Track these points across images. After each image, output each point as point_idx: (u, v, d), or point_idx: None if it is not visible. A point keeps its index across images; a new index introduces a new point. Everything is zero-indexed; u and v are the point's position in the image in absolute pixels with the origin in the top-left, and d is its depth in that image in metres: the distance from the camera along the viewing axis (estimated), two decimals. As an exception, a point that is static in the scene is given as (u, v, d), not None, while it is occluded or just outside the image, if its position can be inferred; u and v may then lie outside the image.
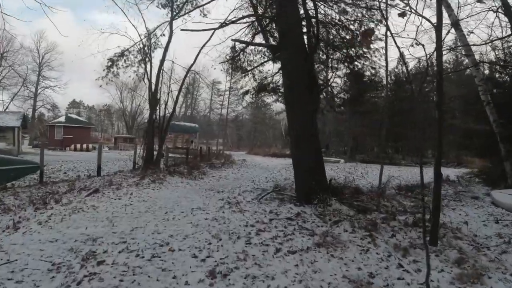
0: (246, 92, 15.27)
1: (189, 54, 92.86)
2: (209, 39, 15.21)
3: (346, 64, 12.74)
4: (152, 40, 16.06)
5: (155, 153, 16.54)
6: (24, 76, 45.06)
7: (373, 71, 13.03)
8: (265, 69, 13.70)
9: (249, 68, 14.37)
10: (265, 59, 13.65)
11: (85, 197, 8.90)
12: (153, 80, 16.13)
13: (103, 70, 15.15)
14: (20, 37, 59.85)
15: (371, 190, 11.02)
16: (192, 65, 17.26)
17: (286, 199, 9.22)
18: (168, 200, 9.17)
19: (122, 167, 17.00)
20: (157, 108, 16.67)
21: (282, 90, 13.72)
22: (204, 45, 15.62)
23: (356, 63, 12.46)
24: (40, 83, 48.00)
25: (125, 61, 15.16)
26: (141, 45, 15.75)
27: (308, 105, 9.05)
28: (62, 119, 42.37)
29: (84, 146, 36.72)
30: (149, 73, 16.26)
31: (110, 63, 14.99)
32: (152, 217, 7.14)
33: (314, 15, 9.87)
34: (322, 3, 11.22)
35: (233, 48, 13.51)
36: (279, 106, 58.47)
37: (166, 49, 16.16)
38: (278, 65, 11.76)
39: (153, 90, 16.16)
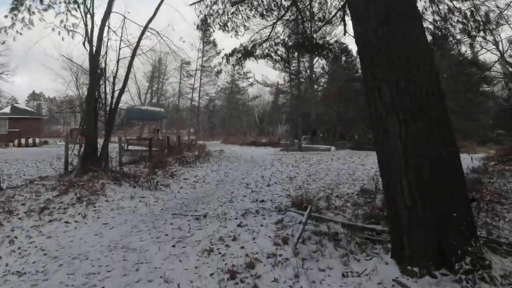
0: (232, 54, 10.12)
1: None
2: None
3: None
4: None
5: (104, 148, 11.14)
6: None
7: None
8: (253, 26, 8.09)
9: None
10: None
11: None
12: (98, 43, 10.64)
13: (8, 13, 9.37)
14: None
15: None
16: (151, 19, 11.80)
17: (358, 245, 4.04)
18: (78, 265, 3.90)
19: (50, 171, 11.53)
20: (102, 82, 11.20)
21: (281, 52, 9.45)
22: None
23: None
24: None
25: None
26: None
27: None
28: (7, 109, 34.99)
29: (31, 141, 30.10)
30: (89, 31, 10.70)
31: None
32: None
33: None
34: None
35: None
36: (254, 90, 53.74)
37: (111, -7, 10.66)
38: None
39: (94, 53, 10.68)
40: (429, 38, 7.30)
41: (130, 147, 18.63)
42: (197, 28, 11.30)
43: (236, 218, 5.55)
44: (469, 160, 11.05)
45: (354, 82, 35.85)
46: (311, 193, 7.52)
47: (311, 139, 31.39)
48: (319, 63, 30.93)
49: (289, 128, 48.69)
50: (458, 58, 16.33)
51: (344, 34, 7.37)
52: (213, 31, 12.21)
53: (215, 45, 34.26)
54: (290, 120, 33.17)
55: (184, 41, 20.82)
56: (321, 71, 31.31)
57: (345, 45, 36.41)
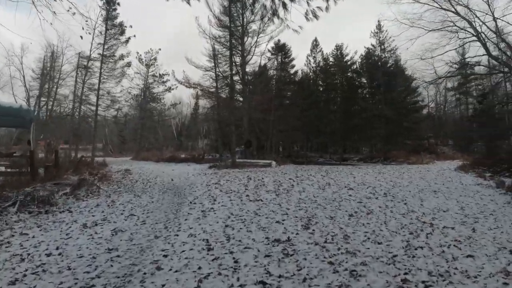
0: None
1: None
2: None
3: None
4: None
5: None
6: None
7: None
8: None
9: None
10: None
11: None
12: None
13: None
14: None
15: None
16: None
17: None
18: None
19: None
20: None
21: None
22: None
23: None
24: None
25: None
26: None
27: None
28: None
29: None
30: None
31: None
32: None
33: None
34: None
35: None
36: (172, 97, 45.86)
37: None
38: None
39: None
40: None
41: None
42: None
43: None
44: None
45: (291, 85, 31.08)
46: None
47: (245, 153, 25.24)
48: (253, 65, 25.21)
49: (211, 141, 42.01)
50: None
51: None
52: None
53: (122, 30, 26.14)
54: (218, 129, 26.60)
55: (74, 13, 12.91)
56: (255, 71, 25.55)
57: (282, 43, 31.78)
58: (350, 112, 30.25)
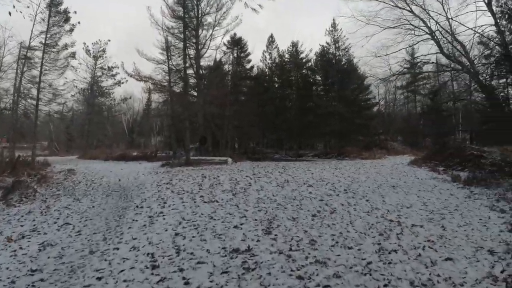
0: None
1: None
2: None
3: None
4: None
5: None
6: None
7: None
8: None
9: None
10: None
11: None
12: None
13: None
14: None
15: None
16: None
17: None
18: None
19: None
20: None
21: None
22: None
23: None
24: None
25: None
26: None
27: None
28: None
29: None
30: None
31: None
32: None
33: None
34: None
35: None
36: (123, 91, 43.40)
37: None
38: None
39: None
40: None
41: None
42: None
43: None
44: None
45: (248, 80, 30.44)
46: None
47: (200, 149, 24.28)
48: (208, 59, 24.26)
49: (165, 138, 40.22)
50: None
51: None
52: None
53: (67, 18, 23.74)
54: (171, 125, 25.39)
55: None
56: (210, 65, 24.63)
57: (238, 37, 31.01)
58: (305, 108, 30.27)
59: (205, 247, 3.97)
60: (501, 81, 16.59)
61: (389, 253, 3.70)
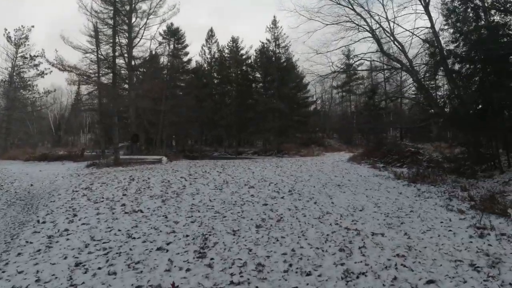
0: None
1: None
2: None
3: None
4: None
5: None
6: None
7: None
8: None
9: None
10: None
11: None
12: None
13: None
14: None
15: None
16: None
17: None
18: None
19: None
20: None
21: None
22: None
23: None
24: None
25: None
26: None
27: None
28: None
29: None
30: None
31: None
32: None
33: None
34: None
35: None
36: (47, 83, 38.70)
37: None
38: None
39: None
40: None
41: None
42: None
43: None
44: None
45: (185, 74, 28.73)
46: None
47: (132, 148, 22.26)
48: (142, 48, 22.32)
49: (95, 136, 36.82)
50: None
51: None
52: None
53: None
54: (100, 121, 22.99)
55: None
56: (145, 57, 22.66)
57: (175, 27, 29.10)
58: (245, 105, 29.62)
59: (113, 286, 2.80)
60: (438, 81, 17.48)
61: (357, 277, 2.88)
